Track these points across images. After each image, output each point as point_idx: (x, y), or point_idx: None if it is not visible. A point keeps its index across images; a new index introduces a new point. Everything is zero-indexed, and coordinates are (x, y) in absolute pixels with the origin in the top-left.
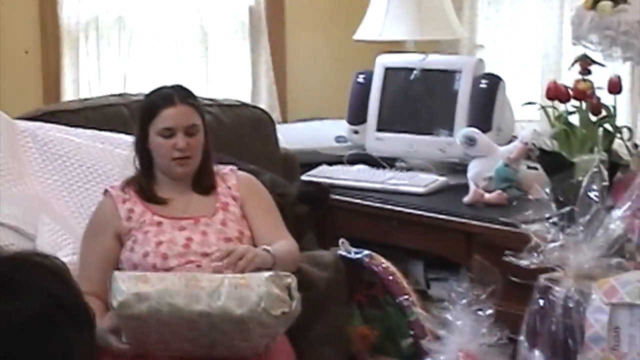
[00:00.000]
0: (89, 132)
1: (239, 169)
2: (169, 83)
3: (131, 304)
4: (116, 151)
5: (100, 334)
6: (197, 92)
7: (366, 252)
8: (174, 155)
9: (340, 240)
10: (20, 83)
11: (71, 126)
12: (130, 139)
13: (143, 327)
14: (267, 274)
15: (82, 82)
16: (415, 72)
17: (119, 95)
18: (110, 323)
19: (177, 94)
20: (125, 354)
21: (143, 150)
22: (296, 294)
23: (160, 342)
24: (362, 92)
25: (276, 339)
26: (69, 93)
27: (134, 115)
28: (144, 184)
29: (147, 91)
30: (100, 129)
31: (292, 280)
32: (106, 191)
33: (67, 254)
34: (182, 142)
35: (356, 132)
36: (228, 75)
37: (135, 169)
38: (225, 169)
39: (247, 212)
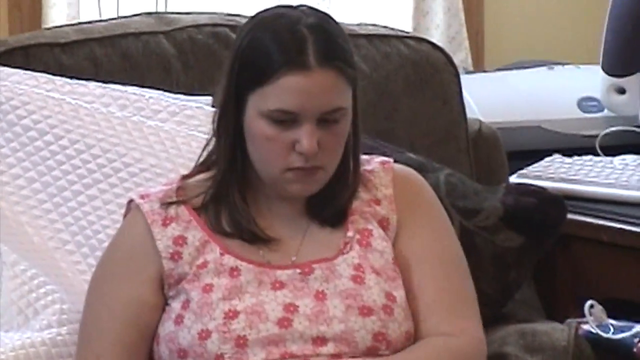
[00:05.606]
0: (94, 85)
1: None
2: None
3: None
4: (149, 124)
5: None
6: None
7: (638, 326)
8: (290, 164)
9: (588, 304)
10: None
11: (62, 75)
12: (178, 102)
13: None
14: None
15: None
16: None
17: (152, 15)
18: None
19: (315, 43)
20: None
21: (228, 131)
22: None
23: None
24: (634, 12)
25: None
26: (57, 13)
27: (184, 53)
28: (225, 195)
29: (202, 9)
30: (117, 82)
31: None
32: (131, 201)
33: (49, 325)
34: (308, 142)
35: (621, 90)
36: None
37: (201, 162)
38: (372, 161)
39: (406, 254)
